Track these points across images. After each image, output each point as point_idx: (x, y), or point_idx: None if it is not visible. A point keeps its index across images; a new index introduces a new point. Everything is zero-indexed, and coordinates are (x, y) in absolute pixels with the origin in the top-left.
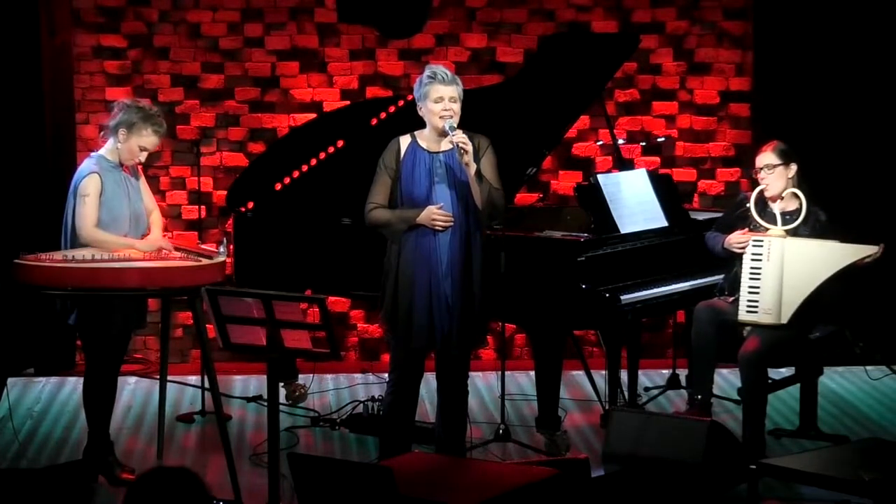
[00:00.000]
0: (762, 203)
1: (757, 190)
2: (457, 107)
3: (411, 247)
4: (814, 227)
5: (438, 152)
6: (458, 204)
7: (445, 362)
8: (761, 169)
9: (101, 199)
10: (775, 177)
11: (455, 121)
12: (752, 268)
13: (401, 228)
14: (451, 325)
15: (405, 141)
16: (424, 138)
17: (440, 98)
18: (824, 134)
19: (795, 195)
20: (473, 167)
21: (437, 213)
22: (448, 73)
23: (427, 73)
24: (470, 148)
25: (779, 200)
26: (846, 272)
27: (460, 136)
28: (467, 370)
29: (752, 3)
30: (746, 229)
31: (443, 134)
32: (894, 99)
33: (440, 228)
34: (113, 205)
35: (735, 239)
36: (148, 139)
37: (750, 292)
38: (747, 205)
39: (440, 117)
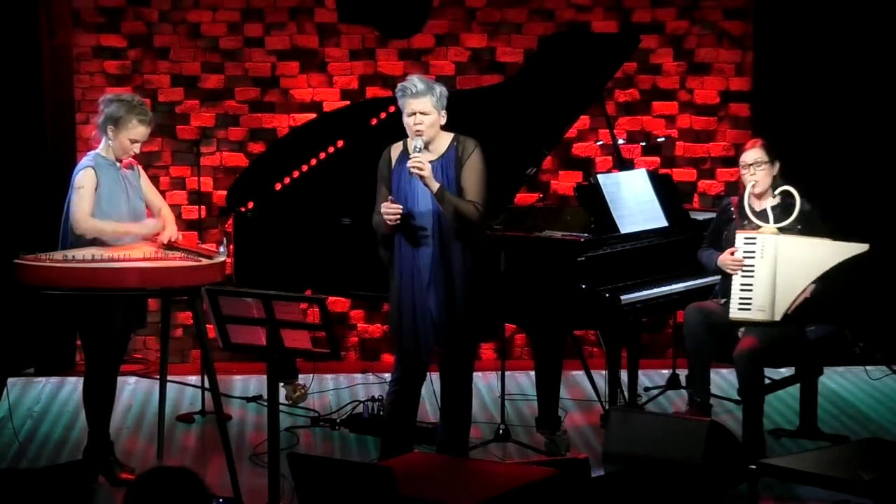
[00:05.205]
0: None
1: (749, 187)
2: (428, 119)
3: (397, 259)
4: (800, 220)
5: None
6: (435, 213)
7: (446, 365)
8: (751, 165)
9: (96, 193)
10: (764, 174)
11: (428, 135)
12: (744, 265)
13: (382, 231)
14: (437, 338)
15: (396, 149)
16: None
17: (412, 112)
18: (824, 134)
19: (783, 192)
20: (434, 187)
21: (384, 208)
22: (419, 83)
23: (399, 87)
24: (425, 172)
25: (764, 198)
26: (837, 270)
27: (415, 162)
28: (470, 372)
29: (752, 3)
30: (733, 249)
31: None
32: (894, 98)
33: (390, 222)
34: (110, 201)
35: (728, 260)
36: (136, 130)
37: (742, 289)
38: (731, 209)
39: (416, 132)
